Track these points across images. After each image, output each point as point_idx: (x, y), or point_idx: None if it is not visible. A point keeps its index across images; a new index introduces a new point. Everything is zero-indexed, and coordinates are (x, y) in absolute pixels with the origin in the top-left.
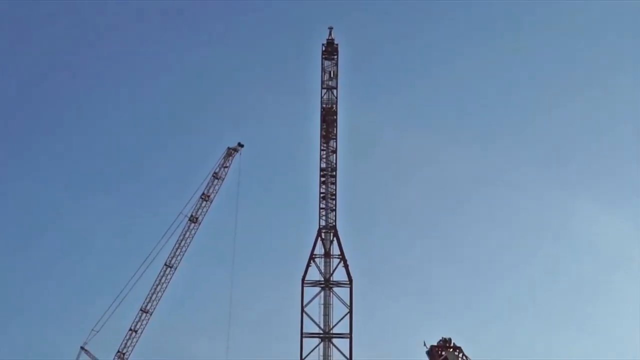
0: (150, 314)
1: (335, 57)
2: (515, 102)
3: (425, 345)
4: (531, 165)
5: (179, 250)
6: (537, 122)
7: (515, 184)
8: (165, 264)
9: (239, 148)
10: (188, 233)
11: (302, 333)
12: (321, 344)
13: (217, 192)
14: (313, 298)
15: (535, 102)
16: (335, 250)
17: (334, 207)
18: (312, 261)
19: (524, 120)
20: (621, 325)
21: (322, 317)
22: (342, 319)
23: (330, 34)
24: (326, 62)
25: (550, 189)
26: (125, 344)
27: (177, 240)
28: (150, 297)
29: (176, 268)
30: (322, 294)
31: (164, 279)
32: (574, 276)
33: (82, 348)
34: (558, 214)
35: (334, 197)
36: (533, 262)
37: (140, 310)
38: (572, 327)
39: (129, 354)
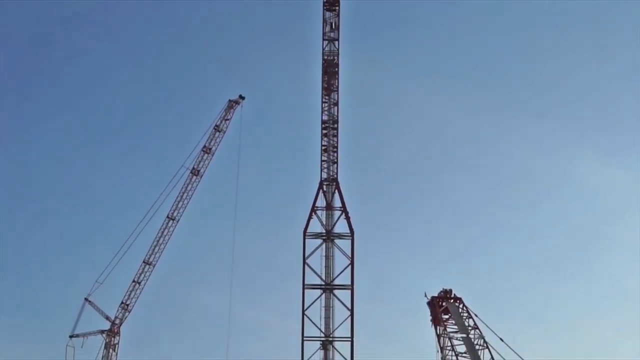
0: (153, 266)
1: (337, 7)
2: (517, 55)
3: (426, 296)
4: (531, 117)
5: (180, 202)
6: (538, 74)
7: (515, 135)
8: (168, 217)
9: (240, 100)
10: (190, 186)
11: (304, 284)
12: (323, 295)
13: (218, 145)
14: (315, 250)
15: (536, 54)
16: (336, 202)
17: (335, 160)
18: (313, 213)
19: (525, 73)
20: (620, 275)
21: (323, 269)
22: (343, 270)
23: None
24: (327, 14)
25: (550, 141)
26: (129, 295)
27: (179, 193)
28: (153, 249)
29: (178, 220)
30: (323, 245)
31: (166, 231)
32: (573, 227)
33: (86, 299)
34: (558, 165)
35: (335, 149)
36: (533, 213)
37: (143, 262)
38: (570, 276)
39: (133, 305)
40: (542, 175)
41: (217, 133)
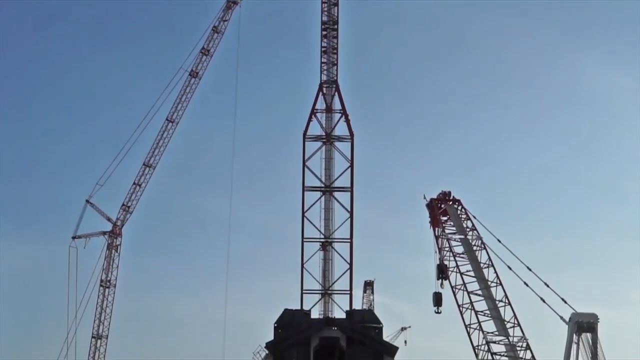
0: (153, 168)
1: None
2: None
3: (425, 198)
4: (538, 21)
5: (180, 105)
6: None
7: (522, 39)
8: (167, 119)
9: (239, 0)
10: (189, 88)
11: (303, 186)
12: (322, 197)
13: (216, 47)
14: (314, 152)
15: None
16: (336, 104)
17: (335, 62)
18: (313, 116)
19: None
20: (620, 177)
21: (323, 171)
22: (343, 172)
23: None
24: None
25: (557, 45)
26: (130, 197)
27: (178, 95)
28: (153, 152)
29: (178, 123)
30: (323, 148)
31: (165, 133)
32: (576, 130)
33: (87, 201)
34: (563, 69)
35: (335, 51)
36: (535, 116)
37: (143, 164)
38: (569, 178)
39: (134, 207)
40: (546, 80)
41: (215, 34)
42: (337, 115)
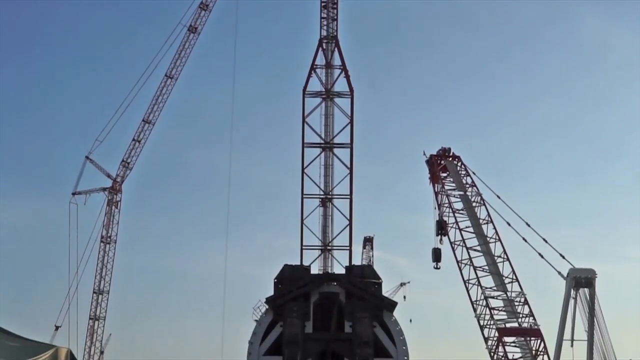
0: (153, 124)
1: None
2: None
3: (424, 154)
4: None
5: (179, 61)
6: None
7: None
8: (166, 75)
9: None
10: (187, 44)
11: (303, 143)
12: (322, 154)
13: (215, 1)
14: (314, 109)
15: None
16: (336, 60)
17: (335, 17)
18: (313, 72)
19: None
20: (622, 136)
21: (323, 128)
22: (342, 129)
23: None
24: None
25: (562, 3)
26: (129, 153)
27: (177, 51)
28: (152, 108)
29: (177, 79)
30: (323, 104)
31: (164, 89)
32: (580, 88)
33: (87, 158)
34: (568, 26)
35: (335, 5)
36: (540, 73)
37: (143, 120)
38: (572, 136)
39: (133, 164)
40: (548, 35)
41: None
42: (337, 72)
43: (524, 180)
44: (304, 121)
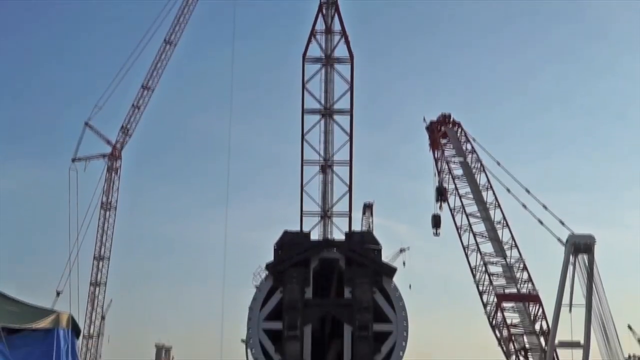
0: (152, 91)
1: None
2: None
3: (424, 121)
4: None
5: (177, 26)
6: None
7: None
8: (165, 41)
9: None
10: (186, 9)
11: (303, 109)
12: (322, 121)
13: None
14: (314, 75)
15: None
16: (336, 26)
17: None
18: (312, 37)
19: None
20: (624, 104)
21: (322, 94)
22: (342, 95)
23: None
24: None
25: None
26: (129, 119)
27: (176, 17)
28: (151, 74)
29: (176, 45)
30: (322, 70)
31: (163, 55)
32: (583, 57)
33: (86, 124)
34: None
35: None
36: (542, 43)
37: (142, 87)
38: (574, 104)
39: (133, 130)
40: (552, 5)
41: None
42: (337, 37)
43: (525, 147)
44: (303, 87)
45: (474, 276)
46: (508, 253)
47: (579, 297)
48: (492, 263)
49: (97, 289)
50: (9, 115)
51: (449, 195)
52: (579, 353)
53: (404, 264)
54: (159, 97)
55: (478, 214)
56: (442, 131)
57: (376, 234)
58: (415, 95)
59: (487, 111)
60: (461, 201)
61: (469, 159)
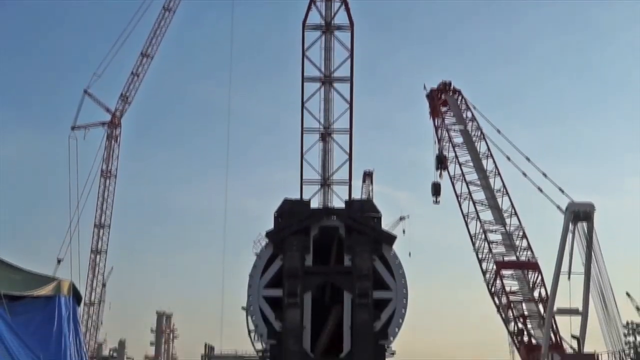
0: (151, 58)
1: None
2: None
3: (425, 88)
4: None
5: None
6: None
7: None
8: (163, 7)
9: None
10: None
11: (303, 77)
12: (322, 88)
13: None
14: (314, 42)
15: None
16: None
17: None
18: (312, 4)
19: None
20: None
21: (322, 61)
22: (342, 63)
23: None
24: None
25: None
26: (128, 87)
27: None
28: (150, 41)
29: (174, 12)
30: (322, 38)
31: (162, 22)
32: (585, 23)
33: (85, 92)
34: None
35: None
36: (541, 9)
37: (141, 54)
38: (575, 70)
39: (132, 98)
40: None
41: None
42: (337, 4)
43: (526, 114)
44: (303, 55)
45: (474, 244)
46: (508, 221)
47: (578, 265)
48: (492, 231)
49: (98, 256)
50: (7, 81)
51: (449, 164)
52: (577, 320)
53: (403, 232)
54: (158, 65)
55: (478, 182)
56: (442, 99)
57: (376, 201)
58: (415, 62)
59: (489, 77)
60: (461, 169)
61: (469, 127)
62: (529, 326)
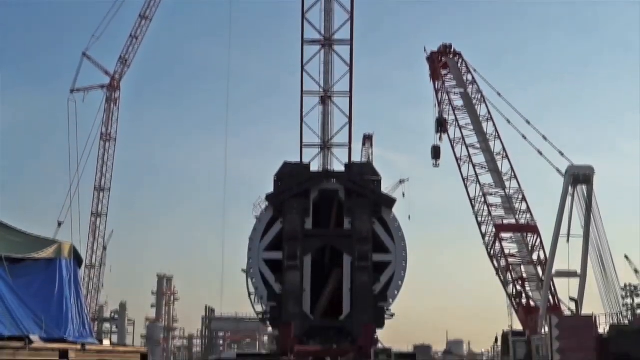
0: (150, 20)
1: None
2: None
3: (425, 51)
4: None
5: None
6: None
7: None
8: None
9: None
10: None
11: (302, 40)
12: (322, 50)
13: None
14: (314, 4)
15: None
16: None
17: None
18: None
19: None
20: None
21: (322, 24)
22: (342, 25)
23: None
24: None
25: None
26: (127, 50)
27: None
28: (149, 3)
29: None
30: (322, 0)
31: None
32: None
33: (84, 54)
34: None
35: None
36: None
37: (139, 16)
38: (574, 29)
39: (131, 60)
40: None
41: None
42: None
43: (525, 73)
44: (303, 17)
45: (473, 207)
46: (507, 184)
47: (577, 228)
48: (491, 194)
49: (98, 219)
50: (5, 42)
51: (449, 127)
52: (575, 282)
53: (403, 195)
54: (157, 27)
55: (478, 145)
56: (442, 62)
57: (376, 165)
58: (416, 23)
59: (488, 38)
60: (461, 132)
61: (469, 90)
62: (528, 288)
